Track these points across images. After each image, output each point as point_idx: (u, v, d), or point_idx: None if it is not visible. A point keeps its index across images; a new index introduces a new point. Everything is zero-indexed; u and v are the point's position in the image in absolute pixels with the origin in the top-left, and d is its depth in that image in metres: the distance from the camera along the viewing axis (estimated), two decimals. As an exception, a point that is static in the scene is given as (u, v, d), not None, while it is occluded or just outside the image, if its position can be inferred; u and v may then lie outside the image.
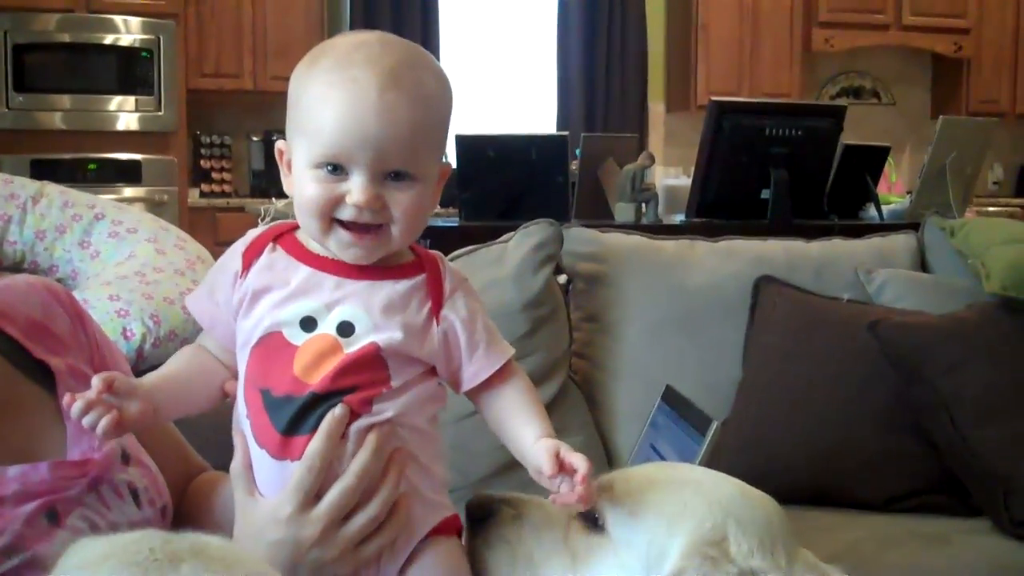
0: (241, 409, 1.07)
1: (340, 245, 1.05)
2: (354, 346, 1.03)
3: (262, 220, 4.12)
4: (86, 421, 0.99)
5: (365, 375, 1.03)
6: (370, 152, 1.01)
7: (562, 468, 1.02)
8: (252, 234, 1.12)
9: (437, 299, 1.08)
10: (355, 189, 1.01)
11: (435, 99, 1.05)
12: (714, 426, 1.51)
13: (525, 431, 1.08)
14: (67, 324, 1.26)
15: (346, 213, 1.02)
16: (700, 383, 2.20)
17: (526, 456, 1.07)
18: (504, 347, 1.11)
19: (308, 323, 1.04)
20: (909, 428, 2.13)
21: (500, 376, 1.10)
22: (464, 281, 1.11)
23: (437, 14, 7.06)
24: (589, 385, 2.33)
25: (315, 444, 1.01)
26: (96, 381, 1.01)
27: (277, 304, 1.05)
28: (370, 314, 1.04)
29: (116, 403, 1.01)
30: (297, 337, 1.04)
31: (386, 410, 1.04)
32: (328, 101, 1.01)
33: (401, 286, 1.06)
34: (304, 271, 1.06)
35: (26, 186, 2.04)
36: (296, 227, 1.11)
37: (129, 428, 1.04)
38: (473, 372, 1.09)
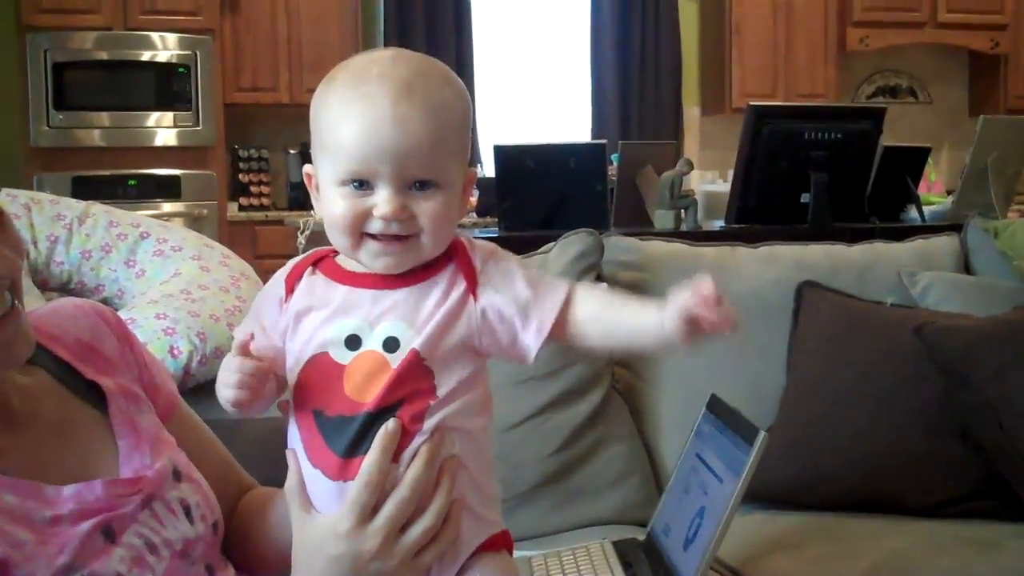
0: (294, 431, 1.08)
1: (371, 256, 1.06)
2: (400, 358, 1.04)
3: (301, 233, 4.15)
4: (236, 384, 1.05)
5: (410, 386, 1.04)
6: (391, 164, 1.02)
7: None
8: (293, 261, 1.14)
9: (471, 278, 1.08)
10: (381, 202, 1.03)
11: (450, 106, 1.06)
12: (761, 436, 1.50)
13: (644, 318, 1.05)
14: (115, 345, 1.27)
15: (374, 227, 1.04)
16: (744, 390, 2.20)
17: (664, 326, 1.03)
18: (556, 286, 1.09)
19: (353, 341, 1.05)
20: (957, 432, 2.11)
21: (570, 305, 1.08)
22: (494, 251, 1.11)
23: (470, 24, 7.08)
24: (632, 395, 2.33)
25: (370, 458, 1.03)
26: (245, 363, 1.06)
27: (320, 324, 1.07)
28: (412, 325, 1.05)
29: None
30: (344, 356, 1.05)
31: (436, 422, 1.05)
32: (346, 118, 1.03)
33: (435, 283, 1.07)
34: (342, 290, 1.08)
35: (72, 206, 2.06)
36: (334, 251, 1.12)
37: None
38: (536, 328, 1.07)
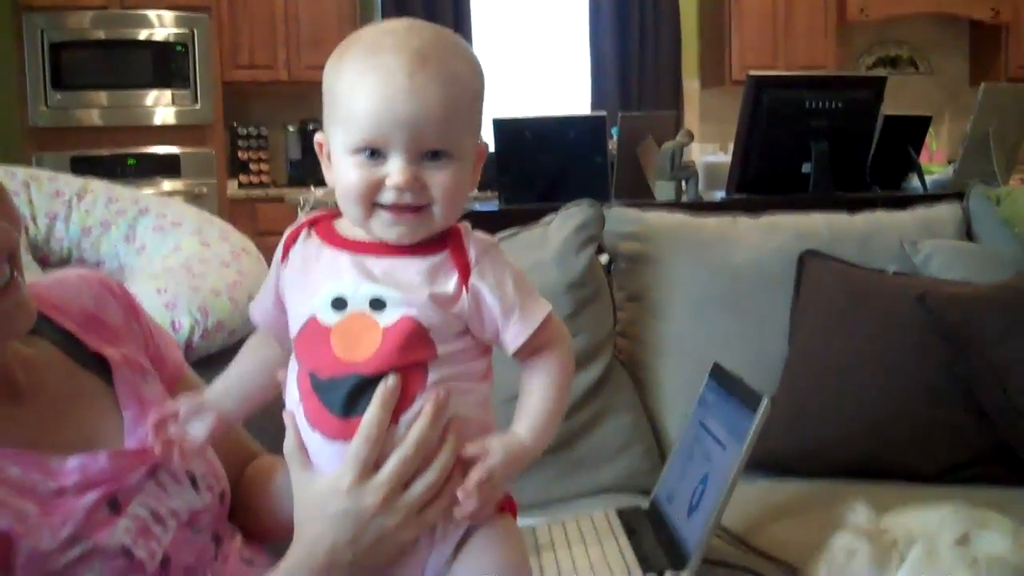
0: (293, 394, 1.08)
1: (383, 226, 1.05)
2: (389, 320, 1.04)
3: (302, 209, 4.15)
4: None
5: (408, 352, 1.04)
6: (405, 133, 1.02)
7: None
8: (293, 225, 1.14)
9: (464, 270, 1.08)
10: (394, 171, 1.03)
11: (465, 78, 1.07)
12: (764, 402, 1.50)
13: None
14: (120, 315, 1.28)
15: (387, 196, 1.04)
16: (746, 359, 2.19)
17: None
18: (538, 308, 1.11)
19: (339, 303, 1.05)
20: (960, 399, 2.11)
21: (538, 341, 1.10)
22: (491, 247, 1.11)
23: (468, -1, 7.06)
24: (635, 365, 2.33)
25: (370, 414, 1.02)
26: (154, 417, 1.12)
27: (309, 287, 1.07)
28: (399, 289, 1.04)
29: (179, 433, 1.12)
30: (330, 318, 1.05)
31: (439, 382, 1.06)
32: (360, 88, 1.03)
33: (425, 263, 1.07)
34: (329, 253, 1.08)
35: (70, 183, 2.05)
36: (334, 215, 1.12)
37: (206, 446, 1.15)
38: (512, 337, 1.09)
